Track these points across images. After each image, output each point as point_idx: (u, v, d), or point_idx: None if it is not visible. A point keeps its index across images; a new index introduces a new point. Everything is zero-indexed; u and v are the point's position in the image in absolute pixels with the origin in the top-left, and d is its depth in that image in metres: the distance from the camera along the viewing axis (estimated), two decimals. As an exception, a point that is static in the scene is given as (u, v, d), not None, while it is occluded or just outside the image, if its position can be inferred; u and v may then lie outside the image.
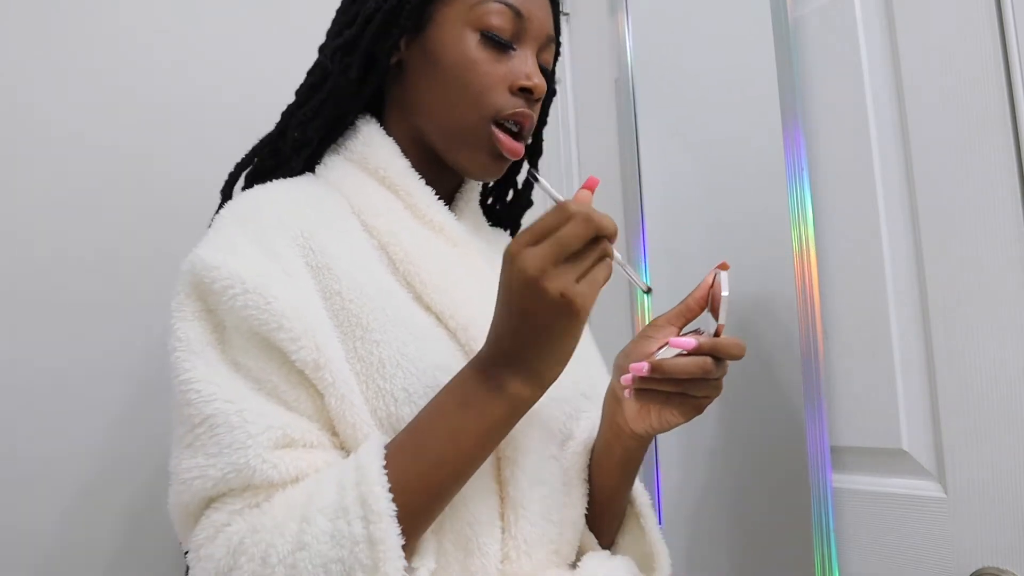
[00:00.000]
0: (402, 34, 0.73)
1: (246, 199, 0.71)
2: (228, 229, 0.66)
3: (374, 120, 0.78)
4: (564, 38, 1.48)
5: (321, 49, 0.78)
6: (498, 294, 0.56)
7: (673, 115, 1.32)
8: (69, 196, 1.04)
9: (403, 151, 0.75)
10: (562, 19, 1.50)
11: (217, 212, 0.72)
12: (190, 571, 0.58)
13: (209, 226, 0.71)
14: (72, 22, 1.06)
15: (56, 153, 1.03)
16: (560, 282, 0.53)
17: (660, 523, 1.20)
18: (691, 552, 1.23)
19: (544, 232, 0.53)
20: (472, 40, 0.71)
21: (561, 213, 0.53)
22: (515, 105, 0.71)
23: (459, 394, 0.58)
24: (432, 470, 0.56)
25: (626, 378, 0.65)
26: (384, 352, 0.62)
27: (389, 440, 0.59)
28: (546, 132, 1.53)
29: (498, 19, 0.71)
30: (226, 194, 0.80)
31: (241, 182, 0.83)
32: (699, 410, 0.67)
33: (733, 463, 1.20)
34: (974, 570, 0.77)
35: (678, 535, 1.21)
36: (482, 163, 0.73)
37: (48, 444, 0.99)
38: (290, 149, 0.77)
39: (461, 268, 0.72)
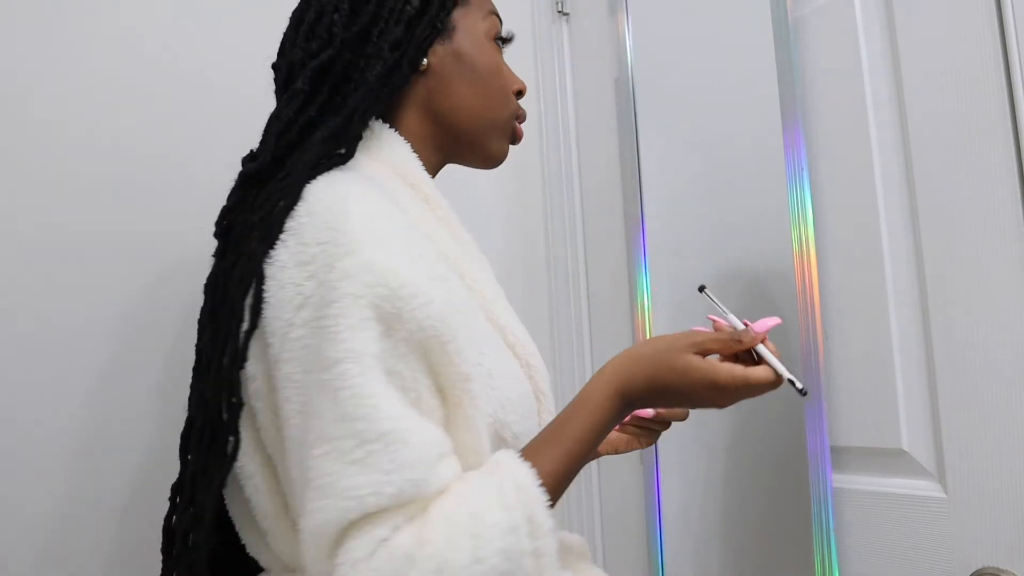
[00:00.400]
0: (436, 39, 0.78)
1: (360, 196, 0.65)
2: (372, 229, 0.62)
3: (386, 124, 0.77)
4: (564, 38, 1.49)
5: (345, 41, 0.74)
6: (667, 363, 0.66)
7: (673, 115, 1.32)
8: (71, 195, 1.04)
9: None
10: (562, 19, 1.51)
11: (296, 206, 0.64)
12: None
13: (282, 219, 0.64)
14: (72, 20, 1.06)
15: (58, 151, 1.04)
16: (718, 398, 0.67)
17: (660, 523, 1.21)
18: (692, 552, 1.23)
19: (745, 385, 0.65)
20: (492, 48, 0.81)
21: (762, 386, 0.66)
22: (520, 110, 0.84)
23: (598, 420, 0.66)
24: (564, 483, 0.65)
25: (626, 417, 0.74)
26: (491, 363, 0.66)
27: (521, 455, 0.63)
28: (546, 132, 1.53)
29: (499, 29, 0.82)
30: (299, 184, 0.67)
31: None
32: (655, 440, 0.88)
33: (733, 463, 1.20)
34: (974, 570, 0.77)
35: (679, 535, 1.21)
36: (505, 151, 0.84)
37: (37, 441, 0.99)
38: (352, 138, 0.74)
39: (487, 276, 0.77)
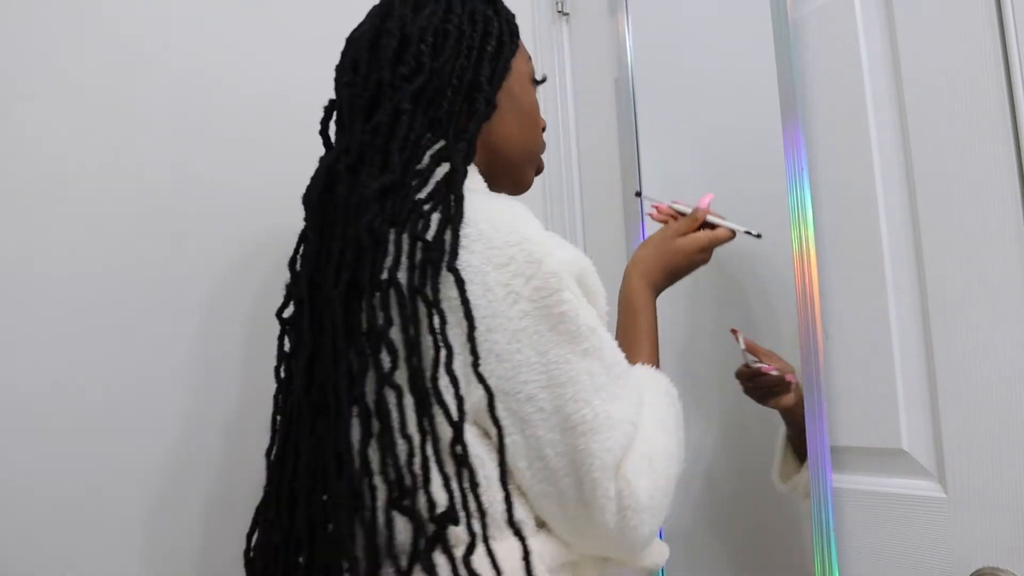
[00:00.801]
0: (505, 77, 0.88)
1: (516, 205, 0.77)
2: (544, 232, 0.75)
3: None
4: (564, 38, 1.49)
5: (434, 69, 0.81)
6: (668, 251, 0.97)
7: (673, 115, 1.32)
8: (78, 196, 1.04)
9: None
10: (562, 19, 1.51)
11: (464, 217, 0.72)
12: (628, 493, 0.71)
13: (457, 229, 0.71)
14: (73, 23, 1.06)
15: (60, 153, 1.04)
16: (705, 257, 1.00)
17: (660, 523, 1.21)
18: (691, 552, 1.23)
19: (717, 242, 1.00)
20: (532, 88, 0.93)
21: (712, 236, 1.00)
22: (544, 144, 0.97)
23: (649, 312, 0.93)
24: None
25: None
26: None
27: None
28: (547, 132, 1.54)
29: (534, 72, 0.95)
30: (460, 199, 0.75)
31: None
32: None
33: (733, 463, 1.20)
34: (974, 570, 0.77)
35: (678, 535, 1.21)
36: (532, 180, 0.97)
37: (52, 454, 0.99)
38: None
39: None
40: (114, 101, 1.08)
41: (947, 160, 0.82)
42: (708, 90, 1.25)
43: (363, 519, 0.70)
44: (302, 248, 0.83)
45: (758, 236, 0.98)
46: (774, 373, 1.01)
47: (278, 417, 0.83)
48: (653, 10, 1.33)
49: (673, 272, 0.97)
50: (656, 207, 1.05)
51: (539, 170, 0.97)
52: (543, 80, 0.97)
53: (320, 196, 0.80)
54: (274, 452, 0.82)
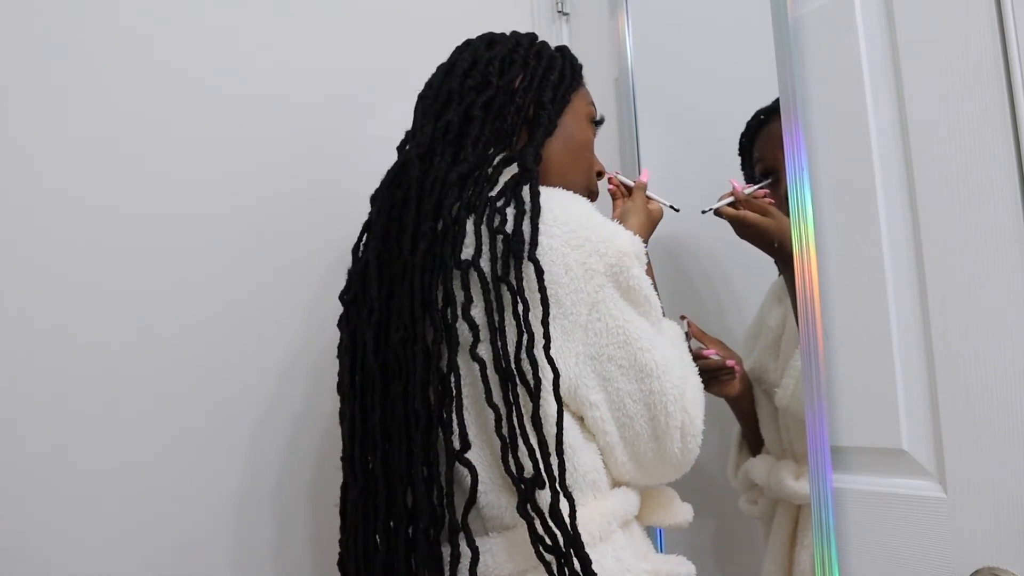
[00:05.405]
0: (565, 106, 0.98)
1: (587, 200, 0.89)
2: (610, 220, 0.87)
3: None
4: (564, 38, 1.49)
5: (500, 87, 0.93)
6: (648, 221, 1.03)
7: (673, 115, 1.32)
8: (80, 196, 1.04)
9: None
10: (562, 19, 1.51)
11: (542, 206, 0.82)
12: (688, 421, 0.84)
13: (537, 218, 0.81)
14: (73, 24, 1.06)
15: (60, 153, 1.04)
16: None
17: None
18: (691, 552, 1.22)
19: (660, 213, 1.07)
20: (588, 126, 1.01)
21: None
22: (596, 186, 1.03)
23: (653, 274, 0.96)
24: None
25: None
26: None
27: None
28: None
29: (595, 114, 1.03)
30: (536, 193, 0.84)
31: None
32: None
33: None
34: (974, 570, 0.77)
35: (678, 534, 1.21)
36: None
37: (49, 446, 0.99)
38: None
39: None
40: (114, 104, 1.08)
41: (947, 160, 0.82)
42: (708, 90, 1.26)
43: (435, 473, 0.79)
44: (366, 236, 0.93)
45: (677, 210, 1.11)
46: (715, 357, 1.06)
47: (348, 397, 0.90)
48: (653, 10, 1.33)
49: (651, 232, 1.06)
50: (609, 178, 1.13)
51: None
52: (602, 120, 1.05)
53: (388, 185, 0.90)
54: (346, 419, 0.89)
